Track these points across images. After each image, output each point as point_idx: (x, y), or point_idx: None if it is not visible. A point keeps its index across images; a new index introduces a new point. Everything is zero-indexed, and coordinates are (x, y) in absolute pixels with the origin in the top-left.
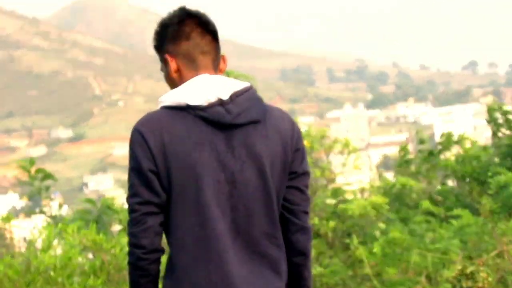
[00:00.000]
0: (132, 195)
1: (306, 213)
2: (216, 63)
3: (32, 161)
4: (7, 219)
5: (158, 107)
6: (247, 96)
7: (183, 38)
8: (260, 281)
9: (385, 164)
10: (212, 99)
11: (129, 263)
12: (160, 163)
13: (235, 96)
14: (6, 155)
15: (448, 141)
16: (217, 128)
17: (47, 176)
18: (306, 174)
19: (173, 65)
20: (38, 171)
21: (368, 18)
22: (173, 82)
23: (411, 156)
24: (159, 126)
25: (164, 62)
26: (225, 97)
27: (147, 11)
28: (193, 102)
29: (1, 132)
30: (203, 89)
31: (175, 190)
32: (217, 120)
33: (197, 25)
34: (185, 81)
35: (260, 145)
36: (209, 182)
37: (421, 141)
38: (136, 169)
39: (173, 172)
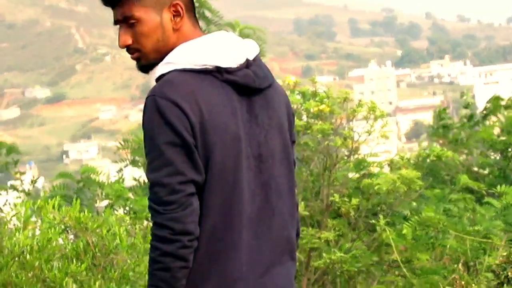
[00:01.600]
0: (171, 173)
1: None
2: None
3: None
4: None
5: (166, 69)
6: (259, 57)
7: None
8: (284, 271)
9: (416, 131)
10: (241, 60)
11: (167, 253)
12: (199, 137)
13: (251, 50)
14: None
15: (496, 106)
16: (241, 94)
17: (10, 149)
18: (294, 143)
19: (182, 19)
20: (1, 144)
21: None
22: (166, 40)
23: (449, 121)
24: (192, 93)
25: (174, 9)
26: (251, 57)
27: None
28: (223, 64)
29: None
30: (229, 49)
31: (212, 169)
32: (246, 84)
33: None
34: (182, 41)
35: (278, 111)
36: (243, 159)
37: (466, 105)
38: (175, 144)
39: (213, 148)
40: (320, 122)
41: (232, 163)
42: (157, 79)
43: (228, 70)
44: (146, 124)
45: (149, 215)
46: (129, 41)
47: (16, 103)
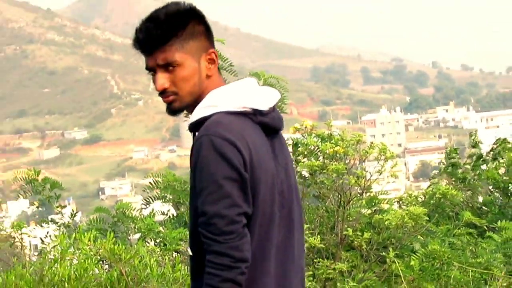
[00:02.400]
0: (230, 205)
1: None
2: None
3: (37, 171)
4: (18, 226)
5: (212, 110)
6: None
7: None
8: None
9: (423, 171)
10: (271, 104)
11: (228, 280)
12: (249, 173)
13: (273, 98)
14: (17, 157)
15: (503, 147)
16: (267, 135)
17: (54, 185)
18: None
19: (215, 67)
20: (45, 180)
21: (406, 15)
22: (200, 85)
23: (458, 161)
24: (241, 133)
25: (209, 57)
26: (274, 103)
27: None
28: (259, 107)
29: (12, 133)
30: (261, 94)
31: (256, 203)
32: (274, 126)
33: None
34: (214, 83)
35: (288, 152)
36: (276, 194)
37: (474, 145)
38: (232, 179)
39: (259, 183)
40: (335, 162)
41: (269, 198)
42: (198, 121)
43: (262, 113)
44: (203, 160)
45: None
46: (167, 84)
47: (56, 144)
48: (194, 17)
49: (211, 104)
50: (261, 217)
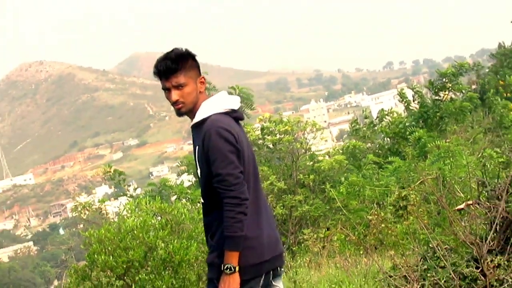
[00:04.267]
0: (234, 167)
1: None
2: None
3: (109, 166)
4: (102, 201)
5: (210, 113)
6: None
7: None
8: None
9: (341, 135)
10: (238, 105)
11: (240, 212)
12: (239, 147)
13: (239, 103)
14: (97, 161)
15: (382, 115)
16: (241, 129)
17: (120, 173)
18: None
19: (204, 86)
20: (115, 171)
21: (319, 39)
22: (196, 97)
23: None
24: (232, 126)
25: (201, 81)
26: (239, 104)
27: None
28: (234, 107)
29: (93, 146)
30: (232, 100)
31: (244, 164)
32: (241, 118)
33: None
34: (204, 97)
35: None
36: (251, 163)
37: (366, 116)
38: (234, 152)
39: (244, 153)
40: (287, 136)
41: (248, 162)
42: (201, 120)
43: (235, 111)
44: (213, 143)
45: (200, 200)
46: (178, 97)
47: (120, 149)
48: (191, 56)
49: (207, 109)
50: (247, 173)
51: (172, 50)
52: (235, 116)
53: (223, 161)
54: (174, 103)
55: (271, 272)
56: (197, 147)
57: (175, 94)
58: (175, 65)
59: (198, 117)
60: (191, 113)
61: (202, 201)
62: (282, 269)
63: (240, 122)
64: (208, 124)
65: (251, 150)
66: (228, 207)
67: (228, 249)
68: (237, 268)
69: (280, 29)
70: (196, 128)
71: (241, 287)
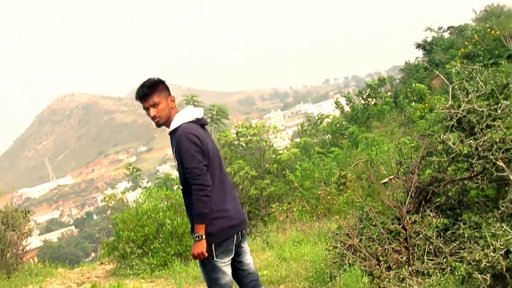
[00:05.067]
0: (198, 162)
1: None
2: None
3: (130, 165)
4: (123, 193)
5: (180, 122)
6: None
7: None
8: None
9: (295, 135)
10: (202, 115)
11: (204, 195)
12: (204, 147)
13: (202, 113)
14: (118, 164)
15: (321, 118)
16: (205, 131)
17: (137, 170)
18: None
19: (170, 107)
20: (133, 169)
21: (274, 62)
22: (169, 111)
23: (306, 128)
24: (197, 130)
25: (171, 99)
26: (202, 114)
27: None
28: (199, 116)
29: (113, 154)
30: (198, 111)
31: (208, 159)
32: (204, 124)
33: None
34: (175, 111)
35: (211, 137)
36: (215, 157)
37: (308, 119)
38: (199, 151)
39: (208, 151)
40: (255, 137)
41: (212, 157)
42: (175, 128)
43: (199, 119)
44: (183, 145)
45: (180, 186)
46: (155, 113)
47: (134, 154)
48: (161, 82)
49: (178, 119)
50: (212, 165)
51: (147, 79)
52: (201, 123)
53: (190, 158)
54: (152, 118)
55: (240, 234)
56: (174, 149)
57: (152, 111)
58: (149, 90)
59: (172, 126)
60: (167, 123)
61: (181, 187)
62: (246, 237)
63: (206, 127)
64: (180, 131)
65: (216, 148)
66: (194, 192)
67: (196, 222)
68: (203, 236)
69: (244, 58)
70: (172, 134)
71: (219, 247)
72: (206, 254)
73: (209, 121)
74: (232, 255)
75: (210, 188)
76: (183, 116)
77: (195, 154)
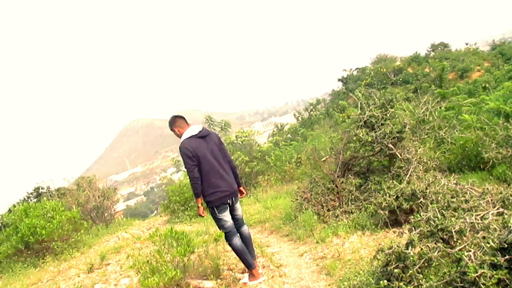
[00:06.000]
0: (192, 164)
1: (230, 157)
2: (187, 122)
3: (173, 159)
4: (171, 174)
5: (182, 139)
6: (203, 128)
7: (179, 121)
8: (229, 183)
9: (270, 136)
10: (198, 131)
11: (194, 183)
12: (195, 155)
13: (201, 128)
14: (167, 158)
15: (282, 125)
16: (203, 140)
17: (178, 161)
18: (225, 147)
19: (179, 131)
20: (175, 160)
21: (255, 90)
22: (181, 132)
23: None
24: (191, 144)
25: (180, 126)
26: (200, 129)
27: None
28: (194, 133)
29: (164, 152)
30: (195, 128)
31: (198, 161)
32: (202, 136)
33: (182, 118)
34: (183, 132)
35: (214, 140)
36: (208, 155)
37: (276, 126)
38: (189, 157)
39: (199, 156)
40: (246, 138)
41: (204, 156)
42: (181, 144)
43: (196, 134)
44: (181, 154)
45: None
46: (175, 133)
47: (176, 152)
48: (179, 117)
49: (184, 136)
50: (201, 166)
51: (171, 117)
52: (199, 135)
53: (184, 162)
54: (177, 135)
55: (232, 198)
56: None
57: (174, 132)
58: (171, 125)
59: (181, 141)
60: (181, 138)
61: None
62: (237, 198)
63: (206, 137)
64: (180, 145)
65: (210, 150)
66: (190, 181)
67: (194, 197)
68: (200, 205)
69: (238, 86)
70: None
71: (218, 208)
72: (203, 215)
73: (219, 129)
74: (228, 210)
75: (197, 178)
76: (184, 135)
77: (186, 160)
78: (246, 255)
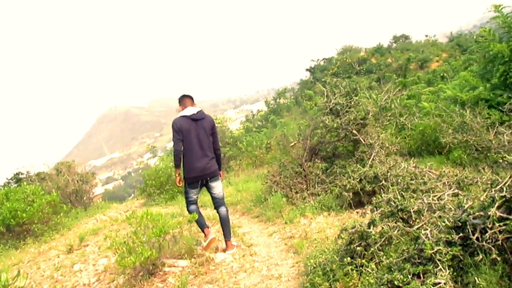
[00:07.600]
0: (178, 138)
1: (219, 146)
2: (192, 103)
3: (149, 145)
4: (148, 160)
5: (176, 117)
6: (200, 111)
7: (184, 100)
8: (206, 162)
9: (241, 123)
10: (193, 112)
11: (177, 154)
12: (181, 131)
13: (196, 111)
14: (143, 144)
15: (258, 111)
16: (193, 121)
17: (154, 147)
18: (216, 134)
19: (181, 108)
20: (152, 146)
21: (227, 80)
22: (179, 111)
23: (249, 118)
24: (180, 122)
25: (180, 109)
26: (195, 111)
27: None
28: (187, 114)
29: (141, 138)
30: (190, 110)
31: (183, 136)
32: (193, 118)
33: (188, 97)
34: (184, 110)
35: (204, 125)
36: (192, 135)
37: (247, 114)
38: (176, 131)
39: (184, 132)
40: (220, 124)
41: (187, 134)
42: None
43: (189, 116)
44: (172, 128)
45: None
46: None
47: (152, 138)
48: (186, 96)
49: (178, 115)
50: (185, 140)
51: (181, 95)
52: (192, 118)
53: (172, 135)
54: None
55: (205, 178)
56: None
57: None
58: (180, 101)
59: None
60: None
61: None
62: (214, 178)
63: (198, 120)
64: (173, 120)
65: (193, 130)
66: (173, 152)
67: (174, 167)
68: (177, 175)
69: (212, 74)
70: None
71: (188, 184)
72: (181, 184)
73: None
74: (198, 188)
75: (179, 151)
76: (179, 114)
77: (173, 133)
78: (200, 219)
